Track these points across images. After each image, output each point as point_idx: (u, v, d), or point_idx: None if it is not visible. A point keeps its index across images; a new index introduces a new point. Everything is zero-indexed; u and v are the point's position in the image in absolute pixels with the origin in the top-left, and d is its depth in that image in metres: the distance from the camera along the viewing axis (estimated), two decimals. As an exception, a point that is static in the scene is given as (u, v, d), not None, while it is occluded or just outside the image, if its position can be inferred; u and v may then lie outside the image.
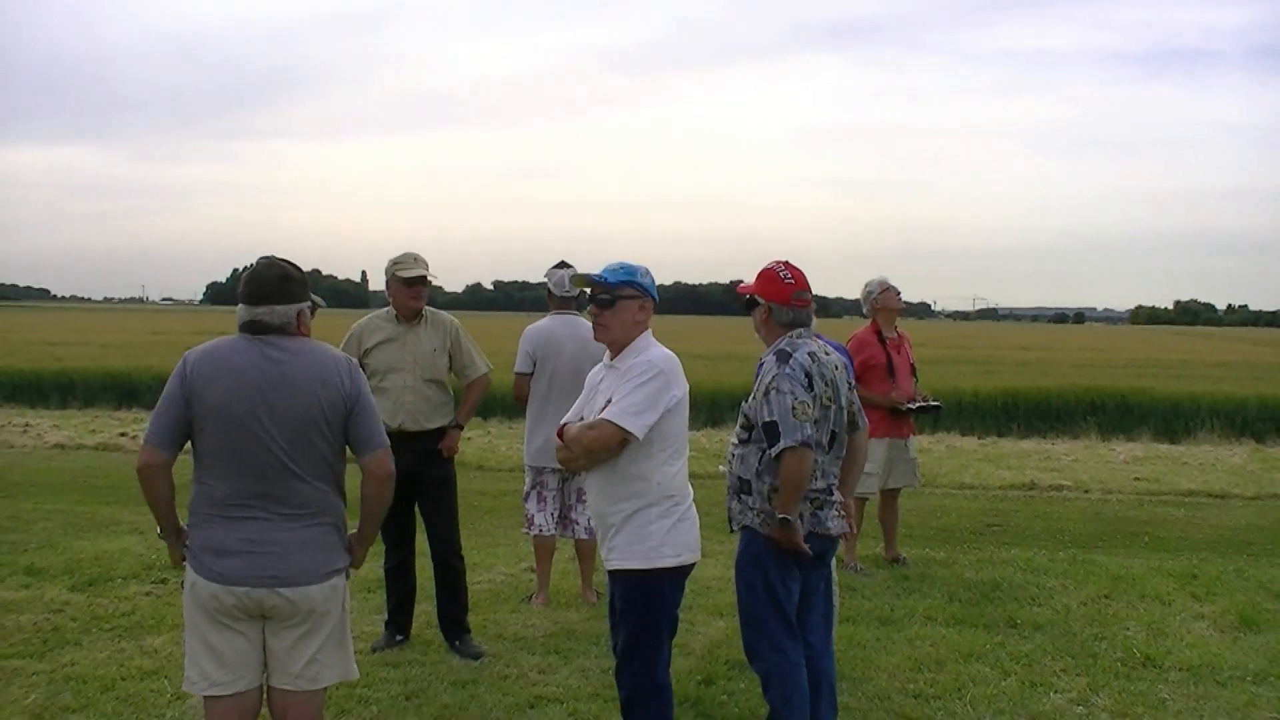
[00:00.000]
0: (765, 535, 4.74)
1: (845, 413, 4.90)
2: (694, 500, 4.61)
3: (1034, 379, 23.45)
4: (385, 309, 6.59)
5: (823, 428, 4.75)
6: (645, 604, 4.50)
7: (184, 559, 3.94)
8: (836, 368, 4.88)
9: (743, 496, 4.82)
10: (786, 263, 4.95)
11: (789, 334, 4.85)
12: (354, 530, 4.08)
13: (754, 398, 4.79)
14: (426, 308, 6.58)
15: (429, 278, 6.46)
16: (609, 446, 4.41)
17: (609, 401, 4.43)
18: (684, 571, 4.55)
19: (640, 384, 4.40)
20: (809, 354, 4.74)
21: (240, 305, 3.95)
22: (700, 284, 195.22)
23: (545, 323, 7.41)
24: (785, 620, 4.80)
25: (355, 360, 4.01)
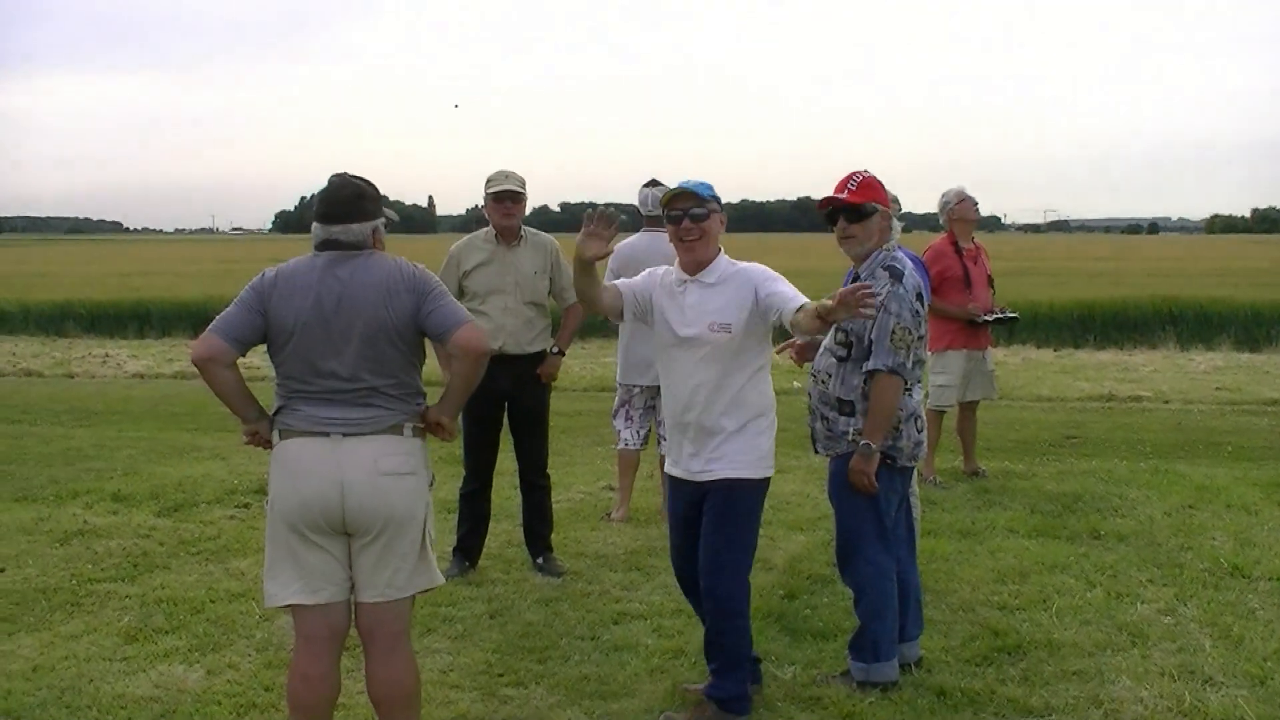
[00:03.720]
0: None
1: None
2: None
3: (1108, 290, 23.01)
4: (485, 229, 6.46)
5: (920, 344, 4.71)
6: (748, 513, 4.51)
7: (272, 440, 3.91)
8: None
9: (844, 418, 4.71)
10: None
11: (884, 246, 4.75)
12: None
13: None
14: (526, 228, 6.46)
15: (519, 193, 6.33)
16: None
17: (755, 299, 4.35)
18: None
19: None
20: (912, 269, 4.71)
21: (315, 224, 3.96)
22: (768, 201, 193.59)
23: (631, 240, 7.32)
24: (883, 534, 4.76)
25: (421, 265, 3.97)
